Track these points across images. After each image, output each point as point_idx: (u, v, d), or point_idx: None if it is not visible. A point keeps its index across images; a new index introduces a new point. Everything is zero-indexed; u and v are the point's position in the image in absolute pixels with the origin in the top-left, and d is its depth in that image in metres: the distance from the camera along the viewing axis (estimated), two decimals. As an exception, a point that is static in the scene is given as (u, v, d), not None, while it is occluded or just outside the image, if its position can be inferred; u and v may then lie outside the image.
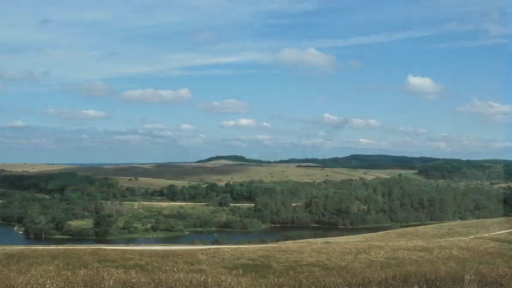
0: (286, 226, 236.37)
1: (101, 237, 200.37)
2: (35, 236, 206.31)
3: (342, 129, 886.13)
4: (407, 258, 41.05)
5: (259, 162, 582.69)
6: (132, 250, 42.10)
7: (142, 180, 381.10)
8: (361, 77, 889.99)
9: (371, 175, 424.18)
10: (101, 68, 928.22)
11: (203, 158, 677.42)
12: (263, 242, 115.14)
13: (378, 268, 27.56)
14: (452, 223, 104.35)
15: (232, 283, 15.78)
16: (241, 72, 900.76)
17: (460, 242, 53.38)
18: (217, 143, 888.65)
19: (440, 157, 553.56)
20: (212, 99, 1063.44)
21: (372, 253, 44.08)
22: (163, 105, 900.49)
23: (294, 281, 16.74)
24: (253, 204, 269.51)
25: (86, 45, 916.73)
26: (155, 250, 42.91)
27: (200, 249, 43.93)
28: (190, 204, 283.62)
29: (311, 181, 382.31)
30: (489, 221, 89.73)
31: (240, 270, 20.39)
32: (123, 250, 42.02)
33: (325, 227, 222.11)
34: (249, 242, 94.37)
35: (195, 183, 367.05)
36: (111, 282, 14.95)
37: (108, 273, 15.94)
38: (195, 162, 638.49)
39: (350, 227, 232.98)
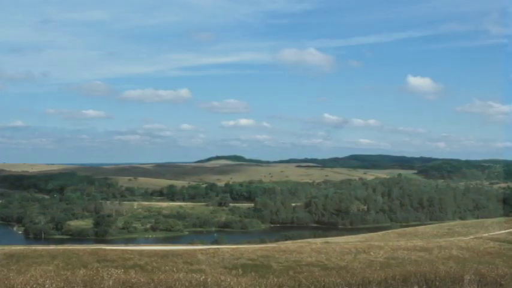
0: (286, 226, 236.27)
1: (100, 237, 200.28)
2: (34, 236, 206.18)
3: (341, 129, 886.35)
4: (406, 258, 41.06)
5: (258, 162, 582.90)
6: (131, 250, 42.11)
7: (142, 180, 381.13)
8: (361, 77, 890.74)
9: (371, 175, 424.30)
10: (100, 68, 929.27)
11: (203, 158, 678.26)
12: (263, 242, 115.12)
13: (378, 268, 27.56)
14: (452, 223, 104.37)
15: (231, 283, 15.77)
16: (241, 72, 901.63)
17: (460, 242, 53.38)
18: (217, 143, 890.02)
19: (440, 157, 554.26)
20: (212, 99, 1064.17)
21: (371, 253, 44.09)
22: (163, 105, 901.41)
23: (293, 281, 16.73)
24: (252, 204, 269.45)
25: (86, 45, 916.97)
26: (155, 250, 42.91)
27: (200, 249, 43.93)
28: (189, 204, 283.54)
29: (311, 181, 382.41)
30: (489, 221, 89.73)
31: (240, 270, 20.39)
32: (122, 250, 42.02)
33: (325, 227, 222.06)
34: (249, 242, 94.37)
35: (194, 183, 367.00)
36: (110, 282, 14.94)
37: (108, 273, 15.93)
38: (195, 162, 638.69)
39: (350, 227, 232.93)
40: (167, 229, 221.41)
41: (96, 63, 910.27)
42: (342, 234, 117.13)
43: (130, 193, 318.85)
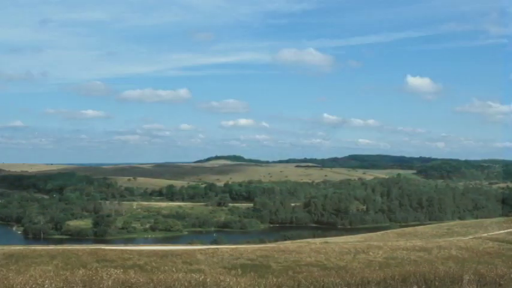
0: (285, 226, 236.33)
1: (99, 237, 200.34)
2: (33, 236, 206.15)
3: (340, 129, 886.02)
4: (406, 258, 41.06)
5: (258, 162, 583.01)
6: (130, 250, 42.10)
7: (141, 180, 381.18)
8: (360, 77, 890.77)
9: (370, 175, 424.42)
10: (99, 68, 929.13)
11: (202, 158, 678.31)
12: (262, 242, 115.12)
13: (377, 268, 27.56)
14: (451, 223, 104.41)
15: (231, 283, 15.77)
16: (240, 72, 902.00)
17: (459, 242, 53.39)
18: (216, 143, 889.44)
19: (439, 157, 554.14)
20: (211, 99, 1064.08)
21: (370, 253, 44.10)
22: (162, 105, 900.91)
23: (292, 281, 16.73)
24: (252, 204, 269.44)
25: (85, 45, 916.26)
26: (154, 250, 42.90)
27: (199, 249, 43.93)
28: (189, 204, 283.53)
29: (310, 181, 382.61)
30: (488, 221, 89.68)
31: (239, 270, 20.39)
32: (122, 250, 42.01)
33: (324, 227, 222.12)
34: (248, 242, 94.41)
35: (193, 183, 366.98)
36: (109, 282, 14.94)
37: (107, 273, 15.92)
38: (194, 162, 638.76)
39: (349, 227, 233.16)
40: (166, 229, 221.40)
41: (95, 63, 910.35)
42: (341, 234, 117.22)
43: (129, 193, 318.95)
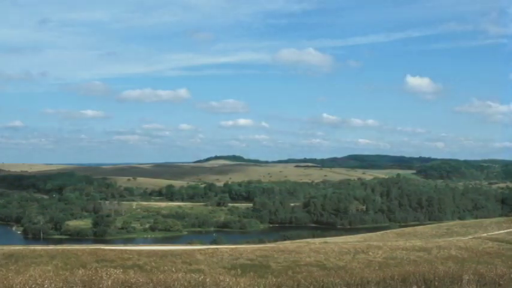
0: (285, 226, 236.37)
1: (99, 237, 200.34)
2: (33, 236, 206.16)
3: (340, 129, 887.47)
4: (405, 258, 41.09)
5: (257, 162, 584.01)
6: (130, 250, 42.10)
7: (141, 180, 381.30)
8: (360, 77, 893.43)
9: (369, 175, 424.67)
10: (99, 68, 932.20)
11: (201, 158, 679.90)
12: (261, 242, 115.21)
13: (377, 268, 27.58)
14: (451, 223, 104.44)
15: (230, 283, 15.76)
16: (240, 72, 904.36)
17: (459, 242, 53.42)
18: (216, 143, 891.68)
19: (439, 157, 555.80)
20: (210, 99, 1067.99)
21: (370, 253, 44.12)
22: (162, 105, 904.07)
23: (292, 281, 16.72)
24: (251, 204, 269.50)
25: (84, 45, 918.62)
26: (154, 250, 42.91)
27: (198, 249, 43.94)
28: (188, 204, 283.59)
29: (309, 181, 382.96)
30: (487, 220, 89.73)
31: (239, 270, 20.40)
32: (121, 250, 42.01)
33: (324, 227, 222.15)
34: (248, 242, 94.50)
35: (193, 183, 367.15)
36: (109, 282, 14.93)
37: (107, 273, 15.91)
38: (194, 162, 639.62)
39: (348, 227, 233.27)
40: (166, 229, 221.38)
41: (94, 63, 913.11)
42: (341, 234, 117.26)
43: (129, 193, 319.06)
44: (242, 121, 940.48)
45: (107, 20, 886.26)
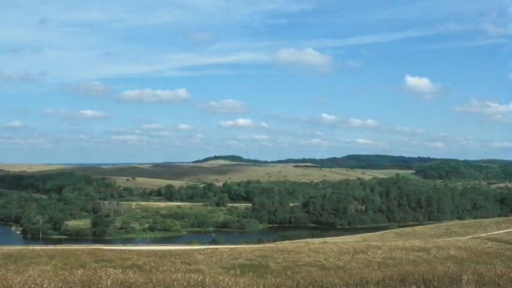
0: (284, 226, 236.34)
1: (98, 237, 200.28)
2: (32, 236, 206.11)
3: (339, 129, 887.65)
4: (404, 258, 41.11)
5: (256, 162, 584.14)
6: (129, 250, 42.11)
7: (140, 180, 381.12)
8: (359, 77, 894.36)
9: (369, 175, 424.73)
10: (98, 68, 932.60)
11: (201, 158, 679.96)
12: (261, 242, 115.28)
13: (376, 268, 27.57)
14: (450, 223, 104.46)
15: (229, 283, 15.75)
16: (239, 72, 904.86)
17: (458, 242, 53.46)
18: (215, 143, 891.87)
19: (438, 157, 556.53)
20: (210, 99, 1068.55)
21: (369, 253, 44.15)
22: (161, 105, 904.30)
23: (291, 281, 16.72)
24: (250, 204, 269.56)
25: (84, 45, 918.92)
26: (153, 250, 42.92)
27: (198, 249, 43.96)
28: (187, 204, 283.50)
29: (308, 181, 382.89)
30: (487, 220, 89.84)
31: (238, 270, 20.36)
32: (120, 250, 42.02)
33: (323, 227, 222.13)
34: (247, 242, 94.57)
35: (192, 183, 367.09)
36: (108, 282, 14.92)
37: (106, 273, 15.90)
38: (193, 162, 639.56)
39: (348, 227, 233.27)
40: (165, 229, 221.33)
41: (94, 63, 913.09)
42: (340, 234, 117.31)
43: (128, 193, 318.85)
44: (241, 121, 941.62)
45: (106, 20, 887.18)
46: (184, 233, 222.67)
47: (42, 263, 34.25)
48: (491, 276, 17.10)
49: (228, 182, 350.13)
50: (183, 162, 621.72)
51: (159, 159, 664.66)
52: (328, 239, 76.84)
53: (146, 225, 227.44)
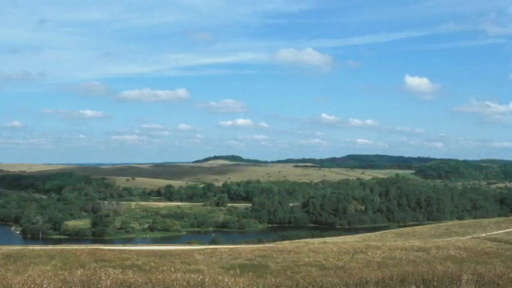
0: (284, 226, 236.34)
1: (98, 237, 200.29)
2: (32, 236, 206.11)
3: (339, 129, 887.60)
4: (404, 258, 41.10)
5: (256, 162, 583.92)
6: (129, 250, 42.10)
7: (140, 180, 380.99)
8: (359, 77, 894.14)
9: (368, 175, 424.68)
10: (98, 68, 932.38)
11: (200, 158, 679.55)
12: (260, 242, 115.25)
13: (375, 268, 27.58)
14: (450, 223, 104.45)
15: (229, 283, 15.75)
16: (239, 72, 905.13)
17: (458, 242, 53.44)
18: (215, 143, 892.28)
19: (438, 157, 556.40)
20: (209, 99, 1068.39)
21: (369, 253, 44.14)
22: (161, 105, 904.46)
23: (291, 281, 16.72)
24: (250, 204, 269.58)
25: (83, 45, 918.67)
26: (152, 250, 42.90)
27: (197, 249, 43.94)
28: (187, 204, 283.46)
29: (308, 181, 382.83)
30: (486, 220, 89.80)
31: (237, 270, 20.36)
32: (120, 250, 42.00)
33: (323, 227, 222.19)
34: (246, 242, 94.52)
35: (192, 183, 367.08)
36: (108, 282, 14.91)
37: (106, 273, 15.90)
38: (192, 162, 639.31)
39: (347, 227, 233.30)
40: (165, 229, 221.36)
41: (93, 63, 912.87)
42: (340, 234, 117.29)
43: (128, 193, 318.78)
44: (241, 121, 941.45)
45: (106, 20, 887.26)
46: (184, 233, 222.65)
47: (41, 263, 34.24)
48: (490, 276, 17.10)
49: (228, 182, 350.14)
50: (182, 162, 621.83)
51: (159, 159, 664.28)
52: (327, 239, 76.80)
53: (146, 225, 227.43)
